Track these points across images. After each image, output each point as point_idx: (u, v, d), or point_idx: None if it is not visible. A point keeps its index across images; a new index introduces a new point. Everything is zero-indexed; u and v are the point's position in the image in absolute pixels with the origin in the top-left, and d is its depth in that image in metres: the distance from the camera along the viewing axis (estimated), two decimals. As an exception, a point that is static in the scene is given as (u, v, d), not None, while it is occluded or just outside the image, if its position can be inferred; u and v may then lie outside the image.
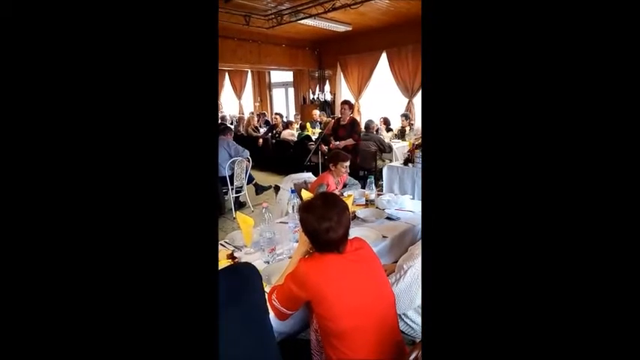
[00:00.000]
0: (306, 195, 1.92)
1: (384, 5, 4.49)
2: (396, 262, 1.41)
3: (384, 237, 1.67)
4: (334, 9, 4.27)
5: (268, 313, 0.96)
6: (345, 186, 2.46)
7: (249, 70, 8.30)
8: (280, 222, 1.85)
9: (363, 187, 2.57)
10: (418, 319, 1.30)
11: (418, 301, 1.25)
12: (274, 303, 1.05)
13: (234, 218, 3.59)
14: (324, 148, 4.04)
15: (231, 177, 3.60)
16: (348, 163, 2.34)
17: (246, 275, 0.89)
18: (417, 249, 1.27)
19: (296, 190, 2.21)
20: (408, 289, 1.22)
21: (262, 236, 1.45)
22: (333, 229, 1.01)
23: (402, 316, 1.29)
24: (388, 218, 1.89)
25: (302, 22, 4.75)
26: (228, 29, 5.19)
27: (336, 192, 2.39)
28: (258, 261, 1.44)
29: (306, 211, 1.07)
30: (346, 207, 1.09)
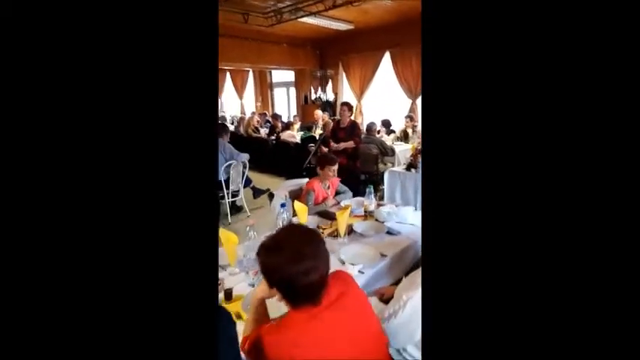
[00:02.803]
0: (299, 208, 1.77)
1: (388, 3, 4.33)
2: (396, 283, 1.27)
3: (383, 255, 1.52)
4: (335, 6, 4.12)
5: None
6: (337, 193, 2.31)
7: (251, 70, 8.17)
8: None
9: (357, 194, 2.41)
10: (418, 355, 1.15)
11: (418, 335, 1.10)
12: None
13: (229, 223, 3.47)
14: (324, 150, 3.89)
15: (227, 181, 3.47)
16: (336, 167, 2.19)
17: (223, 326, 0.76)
18: (418, 277, 1.12)
19: (291, 199, 2.07)
20: (407, 323, 1.08)
21: (246, 257, 1.31)
22: (315, 268, 0.78)
23: (401, 351, 1.15)
24: (388, 232, 1.74)
25: (302, 20, 4.61)
26: (227, 27, 5.05)
27: (331, 200, 2.24)
28: (242, 283, 1.32)
29: (271, 252, 0.81)
30: (322, 239, 0.87)
